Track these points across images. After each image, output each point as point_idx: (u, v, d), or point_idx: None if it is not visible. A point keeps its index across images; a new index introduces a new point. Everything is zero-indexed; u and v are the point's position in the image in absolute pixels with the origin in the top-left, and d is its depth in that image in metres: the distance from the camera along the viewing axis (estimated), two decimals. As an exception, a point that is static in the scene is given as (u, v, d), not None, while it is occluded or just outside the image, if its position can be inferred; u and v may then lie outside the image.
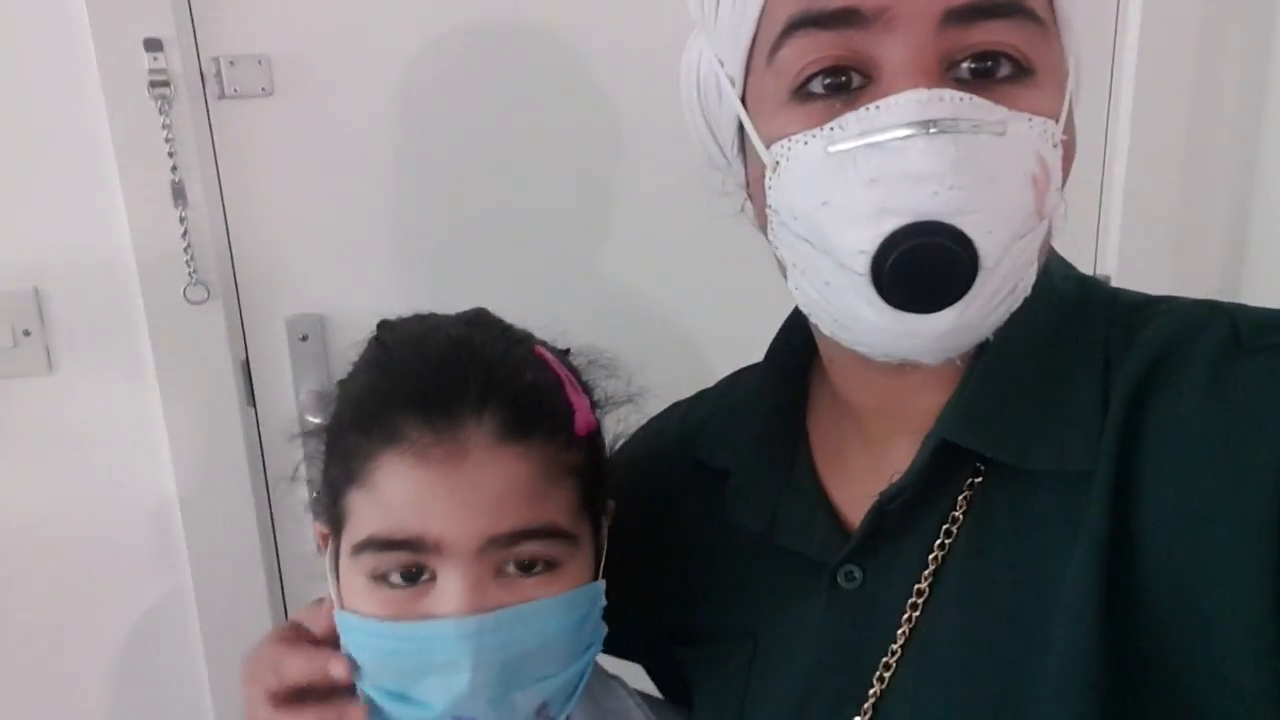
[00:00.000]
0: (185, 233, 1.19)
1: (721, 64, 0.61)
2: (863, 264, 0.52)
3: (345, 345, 1.00)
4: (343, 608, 0.67)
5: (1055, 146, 0.54)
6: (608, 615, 0.74)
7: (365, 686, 0.66)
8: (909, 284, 0.51)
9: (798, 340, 0.72)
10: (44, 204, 1.17)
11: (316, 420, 0.74)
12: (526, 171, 1.31)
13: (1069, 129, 0.56)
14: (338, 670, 0.67)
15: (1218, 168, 1.46)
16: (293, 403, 1.30)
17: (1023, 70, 0.53)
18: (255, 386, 1.29)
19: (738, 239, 0.69)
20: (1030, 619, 0.56)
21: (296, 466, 0.83)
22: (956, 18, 0.52)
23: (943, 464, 0.59)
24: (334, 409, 0.71)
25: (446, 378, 0.64)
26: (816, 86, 0.55)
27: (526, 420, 0.64)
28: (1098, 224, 1.46)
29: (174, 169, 1.17)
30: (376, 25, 1.24)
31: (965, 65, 0.53)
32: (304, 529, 1.33)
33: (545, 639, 0.65)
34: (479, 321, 0.72)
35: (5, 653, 1.30)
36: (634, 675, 0.82)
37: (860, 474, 0.65)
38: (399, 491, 0.63)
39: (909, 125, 0.51)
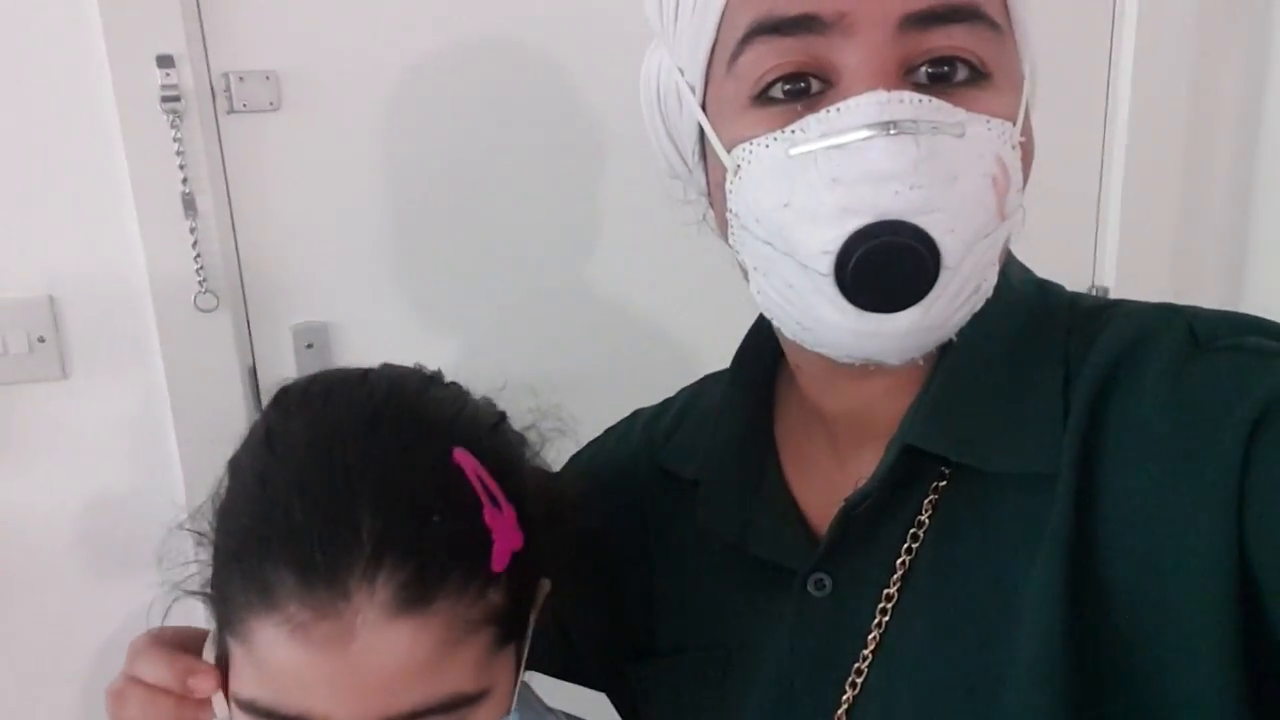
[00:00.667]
0: (195, 243, 1.22)
1: (681, 72, 0.61)
2: (825, 264, 0.52)
3: (349, 352, 1.03)
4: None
5: (1014, 148, 0.55)
6: (569, 639, 0.74)
7: None
8: (872, 283, 0.52)
9: (764, 346, 0.72)
10: (59, 215, 1.21)
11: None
12: (531, 183, 1.35)
13: (1026, 132, 0.57)
14: (199, 684, 0.61)
15: (1216, 175, 1.48)
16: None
17: (979, 75, 0.54)
18: (262, 393, 1.32)
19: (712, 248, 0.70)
20: (995, 622, 0.56)
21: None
22: (914, 23, 0.53)
23: (907, 468, 0.60)
24: (217, 517, 0.61)
25: (333, 530, 0.53)
26: (777, 92, 0.55)
27: (428, 584, 0.54)
28: (1095, 233, 1.48)
29: (184, 181, 1.21)
30: (381, 40, 1.27)
31: (923, 69, 0.54)
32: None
33: None
34: (388, 417, 0.59)
35: (14, 656, 1.32)
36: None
37: (829, 481, 0.66)
38: (277, 665, 0.54)
39: (870, 126, 0.51)
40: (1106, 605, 0.53)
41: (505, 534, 0.58)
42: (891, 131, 0.51)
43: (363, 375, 0.63)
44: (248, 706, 0.56)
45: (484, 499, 0.57)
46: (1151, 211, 1.47)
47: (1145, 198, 1.46)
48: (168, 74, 1.18)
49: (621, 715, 0.80)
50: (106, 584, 1.33)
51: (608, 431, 0.85)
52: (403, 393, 0.62)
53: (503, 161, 1.34)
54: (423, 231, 1.34)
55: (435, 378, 0.67)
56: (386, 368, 0.65)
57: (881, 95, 0.51)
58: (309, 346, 1.32)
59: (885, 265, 0.51)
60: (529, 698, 0.73)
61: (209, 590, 0.60)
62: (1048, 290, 0.64)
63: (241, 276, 1.29)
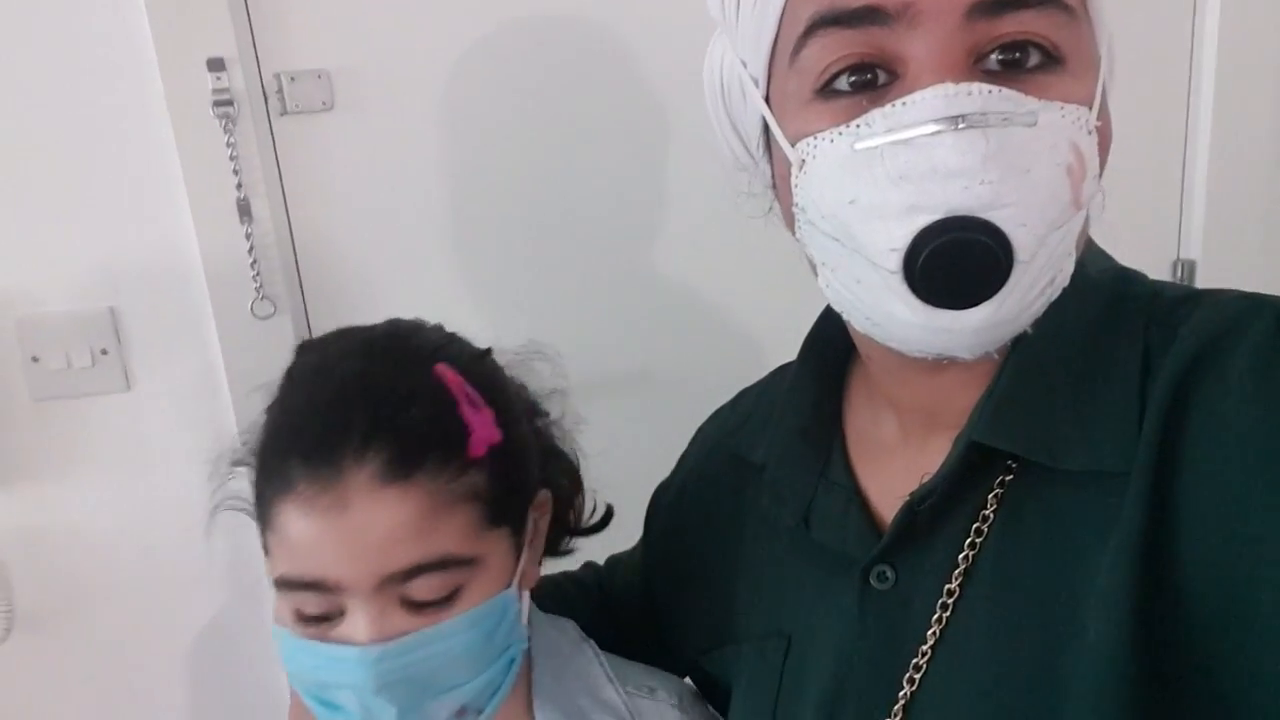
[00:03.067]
0: (251, 248, 1.21)
1: (744, 64, 0.60)
2: (894, 261, 0.51)
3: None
4: (276, 620, 0.71)
5: (1090, 133, 0.53)
6: (664, 631, 0.77)
7: (302, 691, 0.71)
8: (942, 280, 0.50)
9: (834, 334, 0.71)
10: (115, 226, 1.20)
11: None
12: (587, 177, 1.31)
13: (1104, 116, 0.55)
14: None
15: None
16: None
17: (1052, 59, 0.52)
18: (325, 398, 1.31)
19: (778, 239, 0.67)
20: (1061, 620, 0.55)
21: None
22: (982, 10, 0.51)
23: (974, 464, 0.58)
24: (257, 443, 0.72)
25: (330, 423, 0.66)
26: (841, 84, 0.54)
27: (409, 460, 0.65)
28: (1180, 214, 1.41)
29: (239, 186, 1.19)
30: (433, 35, 1.24)
31: (993, 57, 0.52)
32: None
33: (452, 655, 0.67)
34: (380, 345, 0.72)
35: (87, 667, 1.32)
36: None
37: (895, 471, 0.65)
38: (295, 537, 0.65)
39: (937, 121, 0.50)
40: (1179, 609, 0.51)
41: (482, 427, 0.69)
42: (960, 126, 0.49)
43: (368, 327, 0.76)
44: (281, 583, 0.67)
45: (461, 398, 0.69)
46: (1238, 189, 1.39)
47: (1232, 169, 1.38)
48: (218, 77, 1.16)
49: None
50: (176, 594, 1.32)
51: (699, 427, 0.87)
52: (397, 330, 0.75)
53: (562, 156, 1.30)
54: (483, 229, 1.31)
55: (434, 326, 0.78)
56: (390, 320, 0.77)
57: (949, 88, 0.50)
58: (370, 350, 1.29)
59: (955, 261, 0.50)
60: (589, 670, 0.79)
61: (253, 501, 0.72)
62: (1129, 280, 0.62)
63: (300, 281, 1.27)
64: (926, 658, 0.59)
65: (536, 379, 0.83)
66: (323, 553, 0.65)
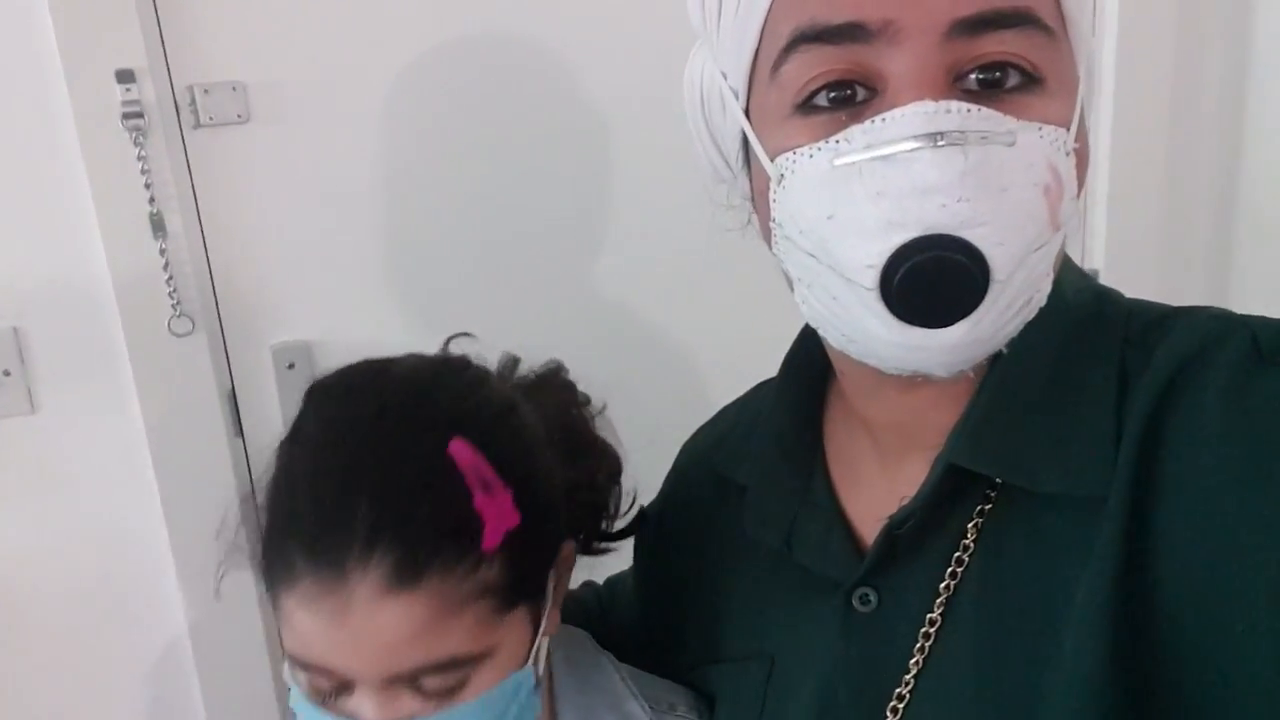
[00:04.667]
0: (166, 264, 1.17)
1: (725, 76, 0.60)
2: (870, 278, 0.51)
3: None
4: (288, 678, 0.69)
5: (1068, 154, 0.53)
6: (645, 646, 0.77)
7: None
8: (918, 298, 0.50)
9: (813, 352, 0.70)
10: (19, 242, 1.16)
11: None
12: (510, 192, 1.30)
13: (1081, 137, 0.55)
14: None
15: (1201, 166, 1.46)
16: (281, 432, 1.28)
17: (1032, 79, 0.52)
18: (242, 417, 1.27)
19: (744, 253, 0.68)
20: (1043, 643, 0.54)
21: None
22: (963, 29, 0.51)
23: (953, 486, 0.58)
24: (264, 499, 0.69)
25: (334, 520, 0.61)
26: (821, 100, 0.54)
27: (417, 565, 0.61)
28: (1083, 229, 1.46)
29: (151, 200, 1.15)
30: (352, 48, 1.23)
31: (973, 76, 0.52)
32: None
33: None
34: (394, 412, 0.66)
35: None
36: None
37: (875, 490, 0.65)
38: (300, 628, 0.63)
39: (915, 138, 0.49)
40: (1158, 629, 0.51)
41: (498, 516, 0.64)
42: (939, 143, 0.49)
43: (384, 367, 0.70)
44: (292, 660, 0.65)
45: (475, 486, 0.63)
46: (1137, 204, 1.45)
47: (1131, 191, 1.44)
48: (128, 89, 1.13)
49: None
50: (91, 622, 1.27)
51: (694, 434, 0.86)
52: (414, 385, 0.68)
53: (483, 169, 1.29)
54: (403, 243, 1.29)
55: (455, 365, 0.73)
56: (411, 358, 0.72)
57: (928, 105, 0.50)
58: (290, 366, 1.26)
59: (932, 280, 0.50)
60: (610, 684, 0.77)
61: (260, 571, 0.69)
62: (1105, 299, 0.62)
63: (216, 297, 1.24)
64: (910, 686, 0.59)
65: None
66: (326, 649, 0.62)
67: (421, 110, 1.26)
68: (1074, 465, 0.55)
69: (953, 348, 0.52)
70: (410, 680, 0.63)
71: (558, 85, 1.29)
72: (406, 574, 0.60)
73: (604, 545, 0.83)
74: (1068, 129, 0.53)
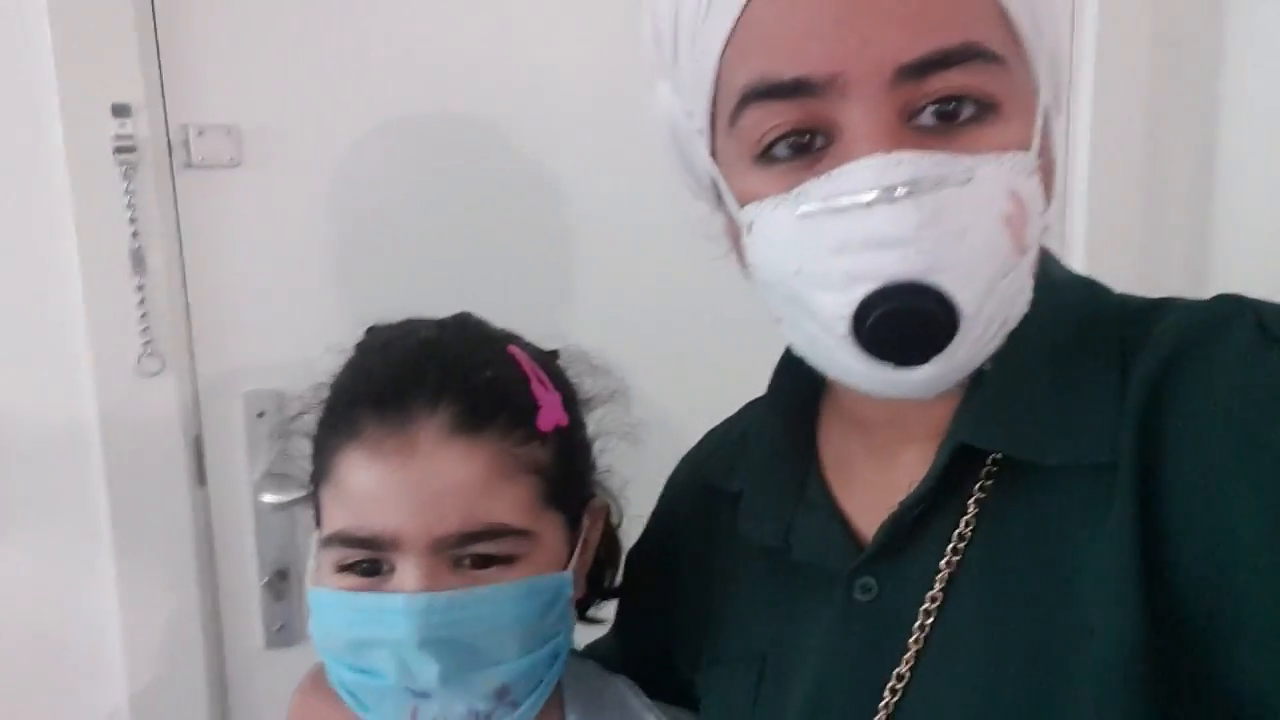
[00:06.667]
0: (142, 301, 1.15)
1: (689, 115, 0.60)
2: (843, 327, 0.53)
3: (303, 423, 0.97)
4: (315, 584, 0.70)
5: (1031, 175, 0.54)
6: (631, 655, 0.79)
7: (331, 661, 0.70)
8: (891, 343, 0.52)
9: (803, 361, 0.71)
10: (-7, 264, 1.13)
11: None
12: (497, 249, 1.29)
13: (1046, 150, 0.56)
14: None
15: (1177, 173, 1.46)
16: (246, 483, 1.25)
17: (987, 108, 0.53)
18: (207, 464, 1.23)
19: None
20: (1057, 611, 0.55)
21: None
22: (909, 74, 0.51)
23: (957, 468, 0.59)
24: (319, 411, 0.74)
25: (405, 374, 0.67)
26: (780, 150, 0.55)
27: (479, 415, 0.66)
28: (1062, 236, 1.45)
29: (135, 235, 1.13)
30: (347, 100, 1.22)
31: (928, 110, 0.52)
32: (251, 621, 1.27)
33: (499, 623, 0.66)
34: (457, 323, 0.75)
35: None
36: None
37: (869, 485, 0.65)
38: (357, 485, 0.66)
39: (870, 190, 0.51)
40: (1178, 592, 0.52)
41: (551, 406, 0.70)
42: (897, 194, 0.50)
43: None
44: (332, 539, 0.67)
45: (532, 376, 0.70)
46: (1116, 212, 1.44)
47: (1109, 199, 1.43)
48: (122, 123, 1.12)
49: None
50: (38, 665, 1.21)
51: (683, 458, 0.87)
52: (469, 317, 0.76)
53: (470, 227, 1.28)
54: (384, 299, 1.25)
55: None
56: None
57: (879, 159, 0.51)
58: (260, 415, 1.23)
59: (901, 326, 0.52)
60: (624, 700, 0.78)
61: (309, 468, 0.73)
62: (1096, 286, 0.64)
63: (191, 339, 1.21)
64: (910, 664, 0.59)
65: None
66: (383, 501, 0.64)
67: (412, 167, 1.26)
68: (1081, 436, 0.56)
69: (929, 381, 0.54)
70: (457, 545, 0.65)
71: (562, 125, 1.29)
72: (469, 423, 0.65)
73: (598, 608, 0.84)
74: (1028, 149, 0.54)
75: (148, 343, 1.15)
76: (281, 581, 1.27)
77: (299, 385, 1.20)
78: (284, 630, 1.28)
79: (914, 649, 0.59)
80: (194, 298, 1.21)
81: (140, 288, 1.14)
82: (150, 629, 1.22)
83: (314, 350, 1.20)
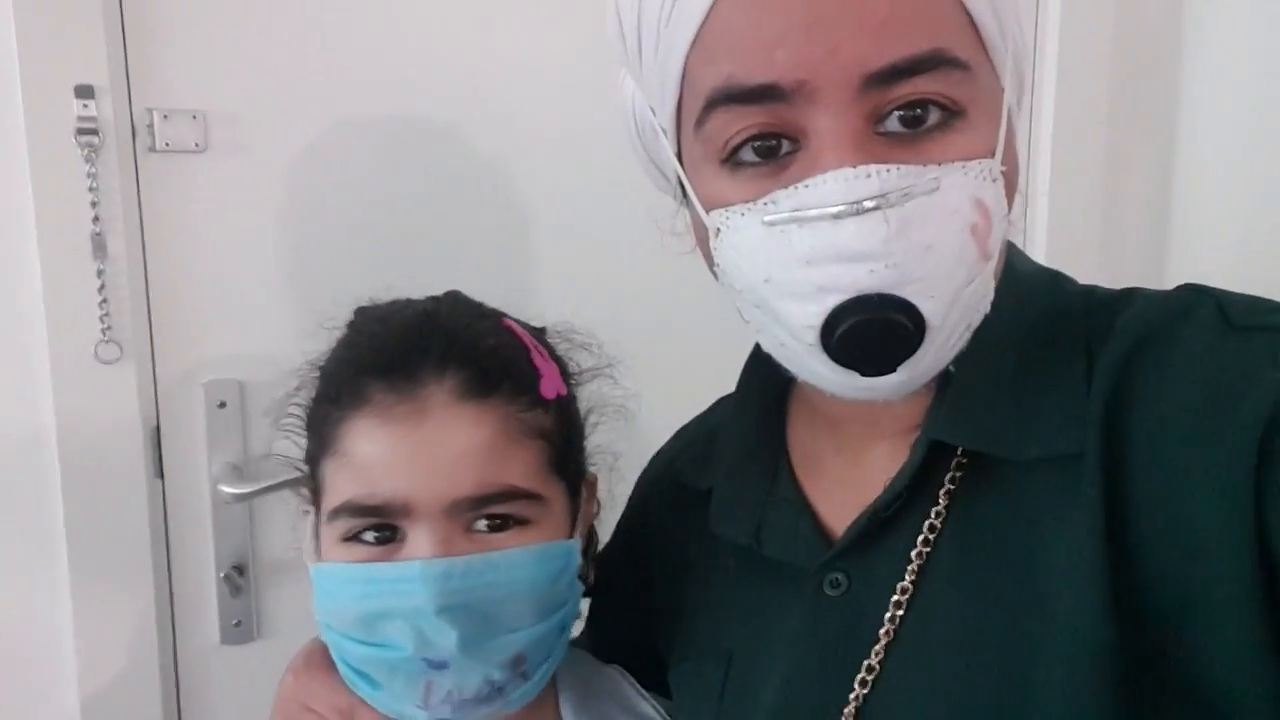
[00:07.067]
0: (102, 287, 1.12)
1: (653, 112, 0.60)
2: (811, 336, 0.53)
3: (265, 413, 0.96)
4: (320, 560, 0.69)
5: (995, 180, 0.54)
6: (610, 652, 0.79)
7: (339, 638, 0.68)
8: (859, 353, 0.53)
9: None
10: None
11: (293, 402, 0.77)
12: (466, 239, 1.28)
13: (1009, 154, 0.56)
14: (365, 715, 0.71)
15: (1138, 172, 1.49)
16: (205, 475, 1.22)
17: (952, 113, 0.53)
18: (165, 456, 1.21)
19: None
20: (1026, 601, 0.55)
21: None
22: (876, 81, 0.51)
23: (927, 463, 0.60)
24: (312, 389, 0.74)
25: (409, 343, 0.67)
26: (747, 154, 0.55)
27: (487, 380, 0.66)
28: (1024, 234, 1.47)
29: (96, 220, 1.11)
30: (314, 87, 1.21)
31: (894, 116, 0.53)
32: (207, 617, 1.25)
33: (515, 589, 0.66)
34: (449, 298, 0.75)
35: None
36: None
37: (839, 481, 0.66)
38: (366, 453, 0.65)
39: (838, 204, 0.51)
40: (1144, 580, 0.53)
41: (551, 376, 0.71)
42: (862, 207, 0.51)
43: None
44: (339, 510, 0.66)
45: (531, 347, 0.71)
46: (1077, 213, 1.48)
47: (1070, 201, 1.47)
48: (85, 105, 1.10)
49: None
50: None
51: (652, 457, 0.87)
52: (460, 295, 0.77)
53: (436, 217, 1.27)
54: (348, 289, 1.24)
55: None
56: None
57: (847, 172, 0.51)
58: (221, 405, 1.21)
59: (868, 336, 0.52)
60: (618, 689, 0.78)
61: (306, 453, 0.72)
62: (1059, 279, 0.65)
63: (151, 327, 1.19)
64: (879, 656, 0.59)
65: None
66: (394, 467, 0.64)
67: (377, 158, 1.25)
68: (1048, 429, 0.57)
69: (897, 386, 0.55)
70: (471, 508, 0.65)
71: (525, 120, 1.28)
72: (478, 388, 0.66)
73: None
74: (993, 154, 0.54)
75: (106, 329, 1.13)
76: (239, 576, 1.24)
77: (261, 375, 1.20)
78: (240, 626, 1.26)
79: (884, 640, 0.59)
80: (155, 285, 1.18)
81: (100, 273, 1.12)
82: (104, 624, 1.19)
83: (276, 340, 1.21)
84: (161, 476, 1.21)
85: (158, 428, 1.20)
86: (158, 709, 1.22)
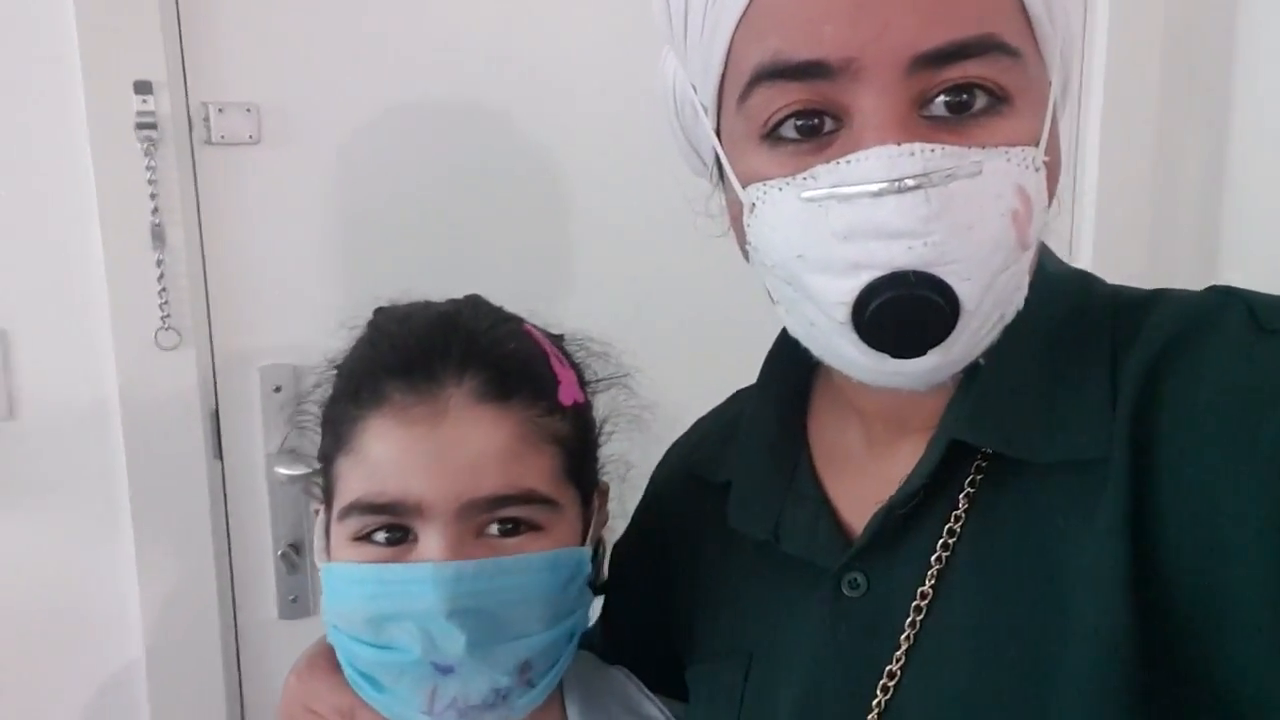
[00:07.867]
0: (161, 276, 1.16)
1: (695, 89, 0.60)
2: (843, 313, 0.52)
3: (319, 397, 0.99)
4: (330, 559, 0.69)
5: (1038, 170, 0.53)
6: (620, 649, 0.79)
7: (346, 640, 0.68)
8: (890, 332, 0.52)
9: (796, 349, 0.69)
10: (18, 240, 1.15)
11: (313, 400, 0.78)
12: (516, 224, 1.31)
13: (1053, 146, 0.55)
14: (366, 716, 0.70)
15: (1188, 170, 1.46)
16: (261, 456, 1.26)
17: (999, 100, 0.52)
18: (224, 438, 1.25)
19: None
20: (1047, 605, 0.54)
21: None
22: (925, 63, 0.51)
23: (947, 464, 0.58)
24: (328, 388, 0.74)
25: (430, 344, 0.67)
26: (788, 130, 0.54)
27: (507, 384, 0.66)
28: (1070, 236, 1.45)
29: (155, 211, 1.15)
30: (366, 79, 1.24)
31: (940, 100, 0.52)
32: (265, 592, 1.30)
33: (525, 594, 0.66)
34: (469, 301, 0.75)
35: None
36: None
37: (862, 477, 0.65)
38: (382, 453, 0.65)
39: (879, 182, 0.50)
40: (1170, 586, 0.51)
41: (569, 383, 0.71)
42: (904, 186, 0.50)
43: None
44: (351, 508, 0.66)
45: (550, 352, 0.72)
46: (1126, 211, 1.45)
47: (1119, 197, 1.44)
48: (144, 100, 1.13)
49: None
50: (42, 640, 1.23)
51: (669, 447, 0.86)
52: (480, 299, 0.76)
53: (485, 205, 1.30)
54: (400, 276, 1.27)
55: None
56: None
57: (891, 150, 0.50)
58: (277, 390, 1.25)
59: (901, 315, 0.51)
60: (623, 690, 0.78)
61: (320, 450, 0.73)
62: (1090, 279, 0.63)
63: (209, 314, 1.23)
64: (900, 662, 0.58)
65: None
66: (409, 468, 0.64)
67: (428, 146, 1.27)
68: (1072, 433, 0.56)
69: (927, 373, 0.54)
70: (486, 509, 0.64)
71: (561, 123, 1.30)
72: (497, 391, 0.66)
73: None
74: (1037, 143, 0.53)
75: (166, 316, 1.17)
76: (296, 554, 1.29)
77: (314, 361, 1.23)
78: (297, 602, 1.30)
79: (905, 645, 0.58)
80: (212, 273, 1.22)
81: (160, 263, 1.16)
82: (167, 599, 1.24)
83: (329, 326, 1.23)
84: (220, 458, 1.26)
85: (216, 411, 1.25)
86: (220, 680, 1.28)
